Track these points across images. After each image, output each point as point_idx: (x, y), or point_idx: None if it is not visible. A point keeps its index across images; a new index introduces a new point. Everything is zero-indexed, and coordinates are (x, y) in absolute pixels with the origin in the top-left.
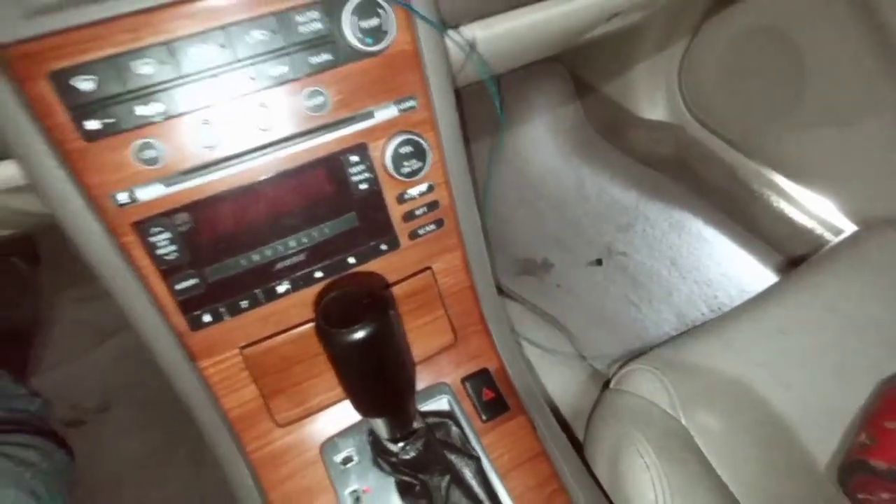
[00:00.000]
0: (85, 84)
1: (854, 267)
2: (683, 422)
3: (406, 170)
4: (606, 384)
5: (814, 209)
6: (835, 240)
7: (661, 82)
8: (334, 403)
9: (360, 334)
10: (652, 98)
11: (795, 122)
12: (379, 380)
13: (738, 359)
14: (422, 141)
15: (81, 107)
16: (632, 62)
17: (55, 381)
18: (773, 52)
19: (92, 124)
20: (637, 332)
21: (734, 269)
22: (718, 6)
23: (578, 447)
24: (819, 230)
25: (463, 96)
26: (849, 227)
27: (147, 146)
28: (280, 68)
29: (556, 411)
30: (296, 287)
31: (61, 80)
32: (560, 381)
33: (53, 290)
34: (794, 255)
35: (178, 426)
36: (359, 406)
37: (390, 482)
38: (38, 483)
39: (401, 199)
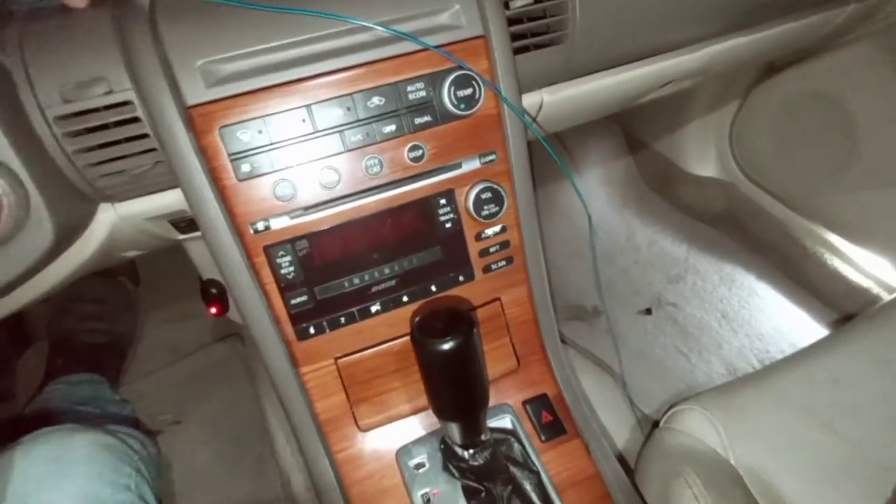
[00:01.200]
0: (244, 136)
1: None
2: (732, 461)
3: (485, 212)
4: (656, 424)
5: (868, 267)
6: (888, 297)
7: (711, 140)
8: (411, 414)
9: (450, 344)
10: (703, 155)
11: (848, 181)
12: (461, 386)
13: (788, 405)
14: (500, 189)
15: (239, 153)
16: (683, 121)
17: (135, 393)
18: (824, 114)
19: (245, 167)
20: (686, 381)
21: (786, 325)
22: (769, 73)
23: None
24: (874, 289)
25: (533, 149)
26: None
27: (283, 186)
28: (390, 127)
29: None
30: (385, 308)
31: (227, 133)
32: (608, 423)
33: (144, 310)
34: (848, 312)
35: (243, 443)
36: (440, 410)
37: (457, 487)
38: (141, 465)
39: (478, 238)
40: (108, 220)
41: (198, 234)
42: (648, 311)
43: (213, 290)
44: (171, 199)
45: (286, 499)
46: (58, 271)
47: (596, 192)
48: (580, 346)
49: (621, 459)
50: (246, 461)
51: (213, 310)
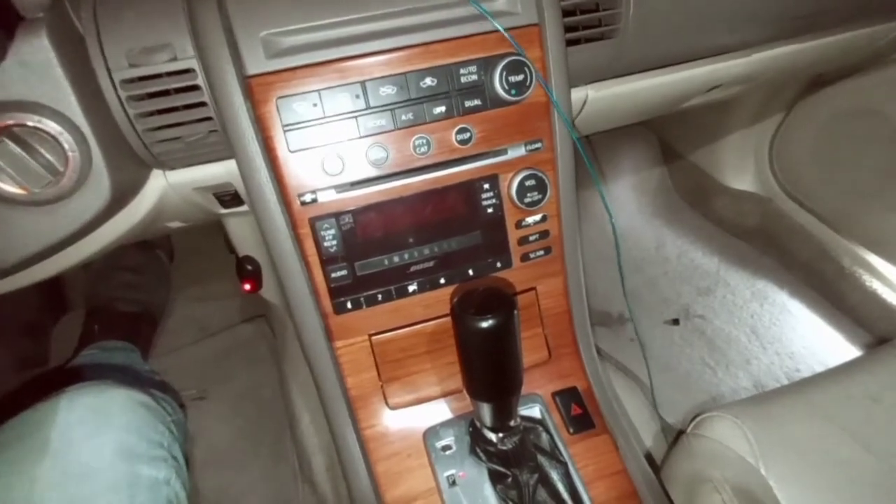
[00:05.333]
0: (299, 108)
1: None
2: (763, 471)
3: (528, 200)
4: (681, 433)
5: None
6: None
7: (749, 153)
8: (441, 397)
9: (491, 322)
10: (740, 168)
11: (893, 201)
12: (497, 367)
13: (823, 420)
14: (544, 177)
15: (293, 125)
16: (721, 132)
17: (162, 367)
18: (870, 131)
19: (298, 139)
20: (712, 394)
21: (819, 344)
22: (816, 86)
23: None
24: None
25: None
26: None
27: (332, 160)
28: (441, 108)
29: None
30: (422, 289)
31: (284, 104)
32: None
33: (176, 287)
34: (883, 335)
35: (264, 421)
36: (475, 389)
37: (484, 472)
38: (172, 427)
39: (519, 225)
40: (159, 186)
41: (239, 209)
42: (676, 322)
43: (249, 267)
44: (219, 171)
45: (304, 480)
46: (108, 233)
47: (627, 199)
48: (605, 352)
49: (649, 458)
50: (265, 441)
51: (248, 286)
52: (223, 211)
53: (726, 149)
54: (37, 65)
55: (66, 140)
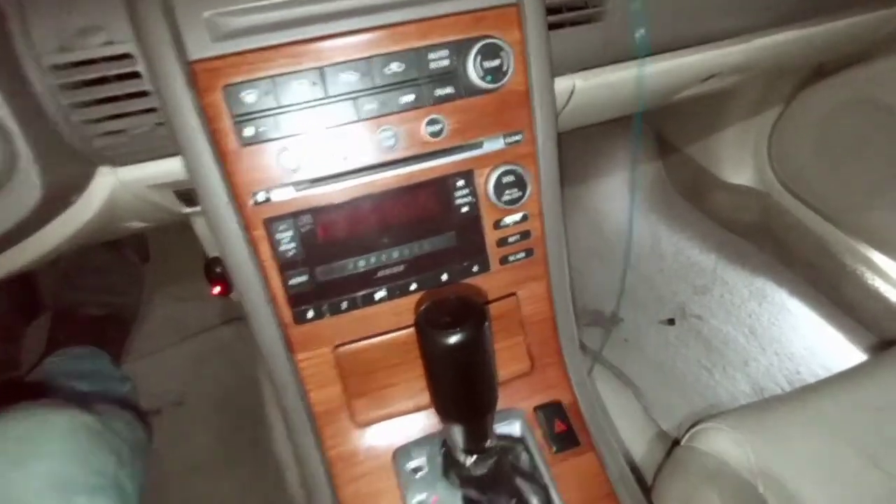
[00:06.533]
0: (249, 97)
1: None
2: (761, 489)
3: (506, 198)
4: (676, 443)
5: None
6: None
7: (748, 147)
8: (411, 412)
9: (458, 338)
10: (738, 162)
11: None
12: (467, 386)
13: (826, 431)
14: (524, 172)
15: (242, 116)
16: (719, 125)
17: (138, 371)
18: (873, 123)
19: (248, 131)
20: (708, 397)
21: (820, 345)
22: (816, 77)
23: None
24: None
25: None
26: None
27: (288, 154)
28: (408, 97)
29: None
30: (391, 295)
31: (231, 92)
32: (624, 435)
33: (153, 287)
34: (888, 336)
35: (243, 427)
36: (443, 410)
37: (457, 497)
38: (124, 450)
39: (497, 226)
40: (108, 184)
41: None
42: (671, 322)
43: (218, 269)
44: (175, 167)
45: (281, 491)
46: (54, 235)
47: (622, 194)
48: (596, 354)
49: (639, 478)
50: (245, 448)
51: (217, 289)
52: (187, 210)
53: (724, 142)
54: None
55: None
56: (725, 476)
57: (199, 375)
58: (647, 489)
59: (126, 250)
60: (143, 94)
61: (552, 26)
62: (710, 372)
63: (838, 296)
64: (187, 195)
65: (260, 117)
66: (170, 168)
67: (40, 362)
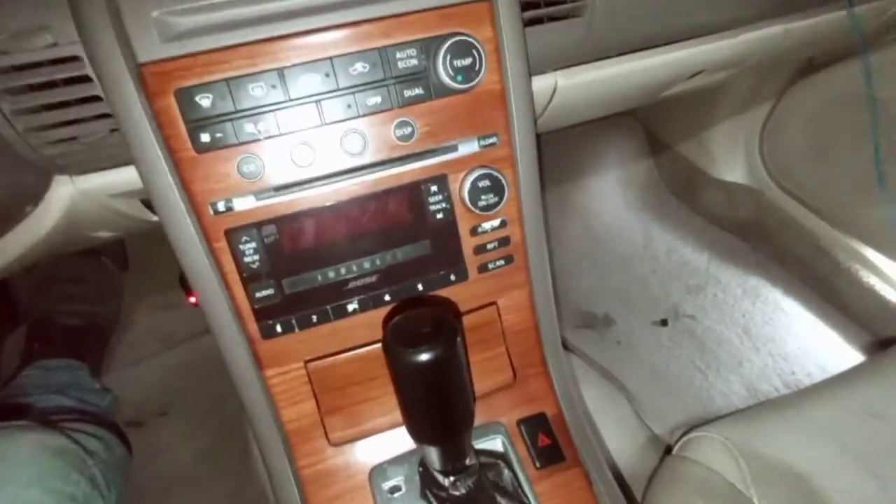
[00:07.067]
0: (204, 101)
1: None
2: (755, 501)
3: (482, 203)
4: (668, 450)
5: None
6: None
7: (740, 144)
8: (388, 429)
9: (426, 356)
10: (730, 159)
11: (892, 192)
12: (439, 405)
13: (821, 440)
14: (500, 176)
15: (198, 121)
16: (710, 122)
17: (121, 381)
18: (863, 119)
19: (204, 137)
20: (702, 400)
21: (814, 345)
22: (806, 71)
23: None
24: None
25: (542, 144)
26: None
27: (248, 161)
28: (375, 98)
29: (611, 470)
30: (364, 307)
31: (185, 96)
32: (615, 441)
33: (133, 296)
34: (883, 335)
35: (228, 438)
36: (415, 431)
37: None
38: (98, 472)
39: (474, 232)
40: (66, 193)
41: None
42: (664, 323)
43: None
44: (136, 175)
45: (267, 500)
46: (13, 246)
47: (613, 193)
48: (588, 357)
49: (627, 488)
50: (230, 458)
51: (193, 299)
52: (154, 218)
53: (715, 139)
54: None
55: None
56: (717, 488)
57: (183, 385)
58: (636, 502)
59: (103, 259)
60: (94, 98)
61: (529, 22)
62: (703, 374)
63: (832, 293)
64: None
65: (216, 122)
66: (131, 176)
67: (15, 376)
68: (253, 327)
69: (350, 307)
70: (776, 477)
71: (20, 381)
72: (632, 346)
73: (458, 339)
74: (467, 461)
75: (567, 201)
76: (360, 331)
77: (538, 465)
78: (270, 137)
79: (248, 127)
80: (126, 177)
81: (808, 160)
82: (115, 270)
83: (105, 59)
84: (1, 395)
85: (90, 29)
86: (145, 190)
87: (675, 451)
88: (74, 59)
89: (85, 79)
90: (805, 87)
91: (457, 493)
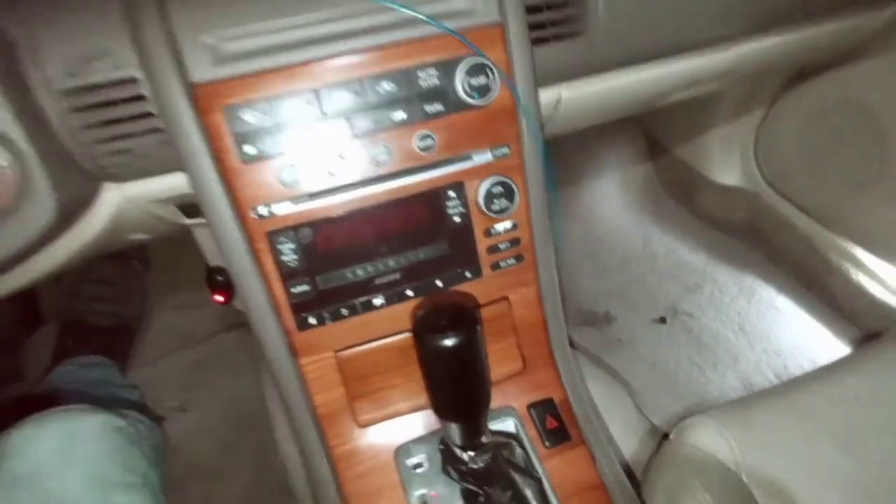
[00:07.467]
0: (248, 117)
1: None
2: (744, 478)
3: (495, 207)
4: (665, 436)
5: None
6: None
7: (735, 148)
8: (410, 412)
9: (452, 341)
10: (725, 163)
11: (879, 195)
12: (462, 385)
13: (805, 422)
14: (511, 183)
15: (243, 135)
16: (706, 126)
17: (143, 378)
18: (854, 124)
19: (249, 149)
20: (699, 394)
21: (807, 341)
22: (798, 79)
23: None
24: None
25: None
26: None
27: (287, 170)
28: (400, 114)
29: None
30: (389, 302)
31: (231, 113)
32: (617, 431)
33: (154, 295)
34: (872, 330)
35: (246, 434)
36: (440, 409)
37: (456, 490)
38: (150, 451)
39: (487, 234)
40: (113, 200)
41: (203, 219)
42: (663, 320)
43: (220, 278)
44: (178, 182)
45: (286, 492)
46: (62, 250)
47: (612, 195)
48: (590, 353)
49: (628, 470)
50: (248, 451)
51: (219, 297)
52: (188, 221)
53: (712, 143)
54: None
55: (2, 156)
56: (711, 467)
57: (201, 382)
58: (637, 482)
59: (132, 261)
60: (147, 115)
61: (535, 42)
62: (701, 369)
63: (824, 292)
64: (189, 208)
65: (259, 136)
66: (172, 183)
67: (49, 372)
68: (290, 320)
69: (376, 301)
70: (764, 457)
71: (54, 377)
72: (632, 343)
73: (479, 326)
74: (484, 439)
75: (568, 205)
76: (386, 323)
77: (547, 444)
78: (307, 149)
79: (287, 140)
80: (168, 184)
81: (801, 164)
82: (142, 272)
83: (161, 81)
84: (39, 389)
85: (149, 54)
86: (189, 195)
87: (671, 436)
88: (132, 80)
89: (140, 97)
90: (797, 93)
91: (475, 466)
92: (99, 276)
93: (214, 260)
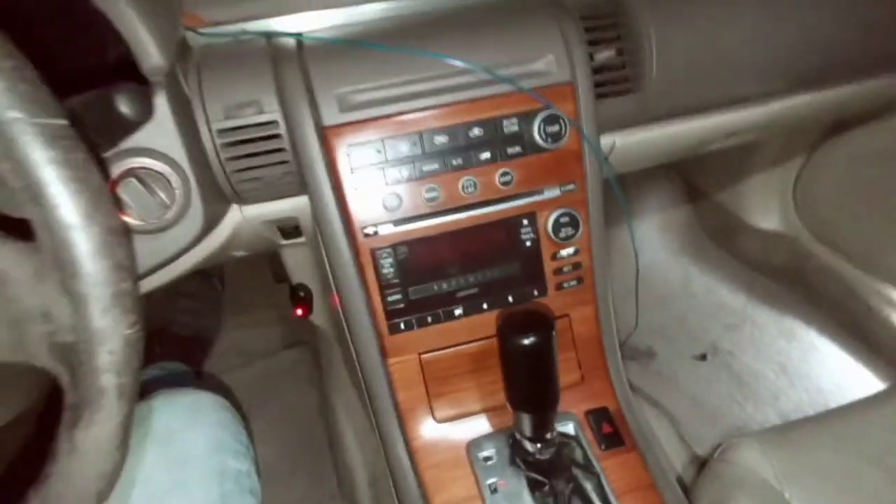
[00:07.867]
0: (366, 154)
1: None
2: (787, 495)
3: (562, 235)
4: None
5: None
6: None
7: (774, 194)
8: (482, 412)
9: (533, 339)
10: (765, 208)
11: None
12: (538, 380)
13: (846, 448)
14: (576, 215)
15: (359, 168)
16: (746, 172)
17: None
18: (891, 174)
19: (363, 180)
20: (740, 427)
21: (848, 382)
22: (836, 130)
23: None
24: None
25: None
26: None
27: (392, 198)
28: (486, 154)
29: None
30: (467, 313)
31: (352, 150)
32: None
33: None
34: None
35: (304, 444)
36: (517, 401)
37: (522, 481)
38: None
39: (554, 258)
40: (234, 219)
41: (297, 240)
42: (703, 357)
43: (302, 294)
44: (287, 206)
45: (344, 497)
46: (188, 260)
47: (653, 237)
48: (633, 384)
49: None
50: (304, 461)
51: (300, 311)
52: (283, 242)
53: (751, 189)
54: (157, 118)
55: (175, 180)
56: (755, 484)
57: (261, 395)
58: (684, 492)
59: (213, 278)
60: (279, 150)
61: (599, 96)
62: (741, 405)
63: (865, 335)
64: (287, 229)
65: (372, 169)
66: (283, 207)
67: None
68: (383, 324)
69: (457, 312)
70: (806, 477)
71: (146, 376)
72: (673, 378)
73: (554, 331)
74: (550, 434)
75: (611, 242)
76: (463, 331)
77: (603, 447)
78: (409, 181)
79: (394, 173)
80: (279, 207)
81: (840, 211)
82: (220, 290)
83: (299, 123)
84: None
85: (291, 102)
86: (291, 217)
87: (716, 455)
88: (272, 122)
89: (276, 136)
90: (836, 143)
91: (541, 457)
92: (187, 290)
93: (298, 278)
